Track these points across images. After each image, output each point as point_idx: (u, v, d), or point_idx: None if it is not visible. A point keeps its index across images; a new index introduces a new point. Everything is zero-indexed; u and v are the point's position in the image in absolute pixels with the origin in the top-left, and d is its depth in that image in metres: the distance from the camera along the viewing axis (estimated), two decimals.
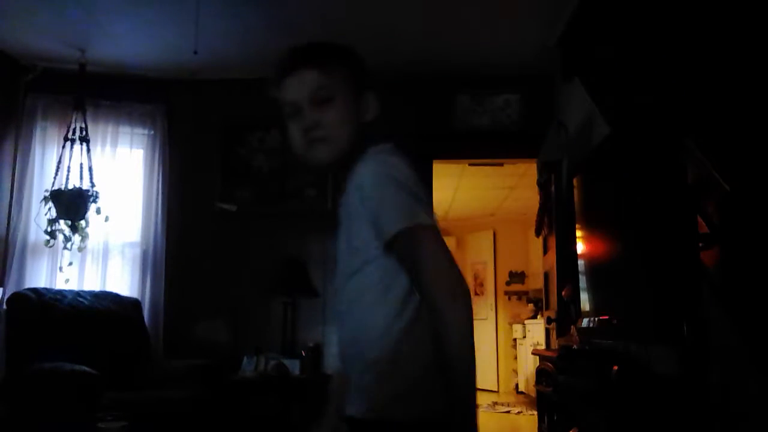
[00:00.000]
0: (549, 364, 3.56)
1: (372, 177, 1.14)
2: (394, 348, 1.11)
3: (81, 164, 4.17)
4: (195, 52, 3.61)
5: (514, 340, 7.95)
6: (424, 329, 1.09)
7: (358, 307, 1.17)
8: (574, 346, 3.23)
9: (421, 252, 1.10)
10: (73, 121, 4.21)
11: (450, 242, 8.88)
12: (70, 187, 4.09)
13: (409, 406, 1.10)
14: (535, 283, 7.44)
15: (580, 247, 3.35)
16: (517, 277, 8.52)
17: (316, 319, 4.33)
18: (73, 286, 4.14)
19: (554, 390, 3.39)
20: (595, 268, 3.15)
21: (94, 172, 4.19)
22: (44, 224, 4.08)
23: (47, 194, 4.08)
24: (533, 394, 5.25)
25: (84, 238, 4.14)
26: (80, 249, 4.16)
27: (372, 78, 1.29)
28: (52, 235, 4.07)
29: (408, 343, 1.11)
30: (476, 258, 8.84)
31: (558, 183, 4.21)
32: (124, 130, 4.52)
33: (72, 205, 4.04)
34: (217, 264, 4.39)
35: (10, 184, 4.26)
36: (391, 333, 1.12)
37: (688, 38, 2.26)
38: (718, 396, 2.02)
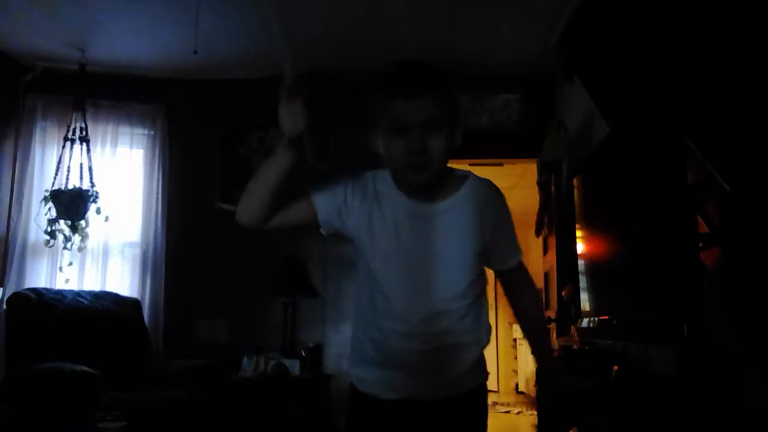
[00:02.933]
0: None
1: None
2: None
3: (81, 164, 4.16)
4: (195, 52, 3.61)
5: (514, 340, 7.94)
6: None
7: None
8: (574, 346, 3.23)
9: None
10: (73, 121, 4.21)
11: None
12: (70, 187, 4.09)
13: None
14: (535, 283, 7.43)
15: (580, 247, 3.35)
16: None
17: (316, 319, 4.33)
18: (73, 286, 4.14)
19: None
20: (595, 268, 3.15)
21: (94, 172, 4.18)
22: (44, 224, 4.08)
23: (47, 194, 4.08)
24: (533, 394, 5.24)
25: (84, 238, 4.14)
26: (80, 249, 4.16)
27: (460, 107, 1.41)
28: (52, 235, 4.07)
29: None
30: None
31: (558, 183, 4.21)
32: (124, 130, 4.52)
33: (72, 205, 4.04)
34: (217, 264, 4.39)
35: (10, 184, 4.26)
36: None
37: (688, 38, 2.25)
38: (718, 396, 2.02)
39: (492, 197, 1.40)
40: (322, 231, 1.41)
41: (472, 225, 1.37)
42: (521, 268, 1.52)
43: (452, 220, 1.36)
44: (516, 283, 1.53)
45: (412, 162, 1.28)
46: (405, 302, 1.35)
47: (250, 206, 1.37)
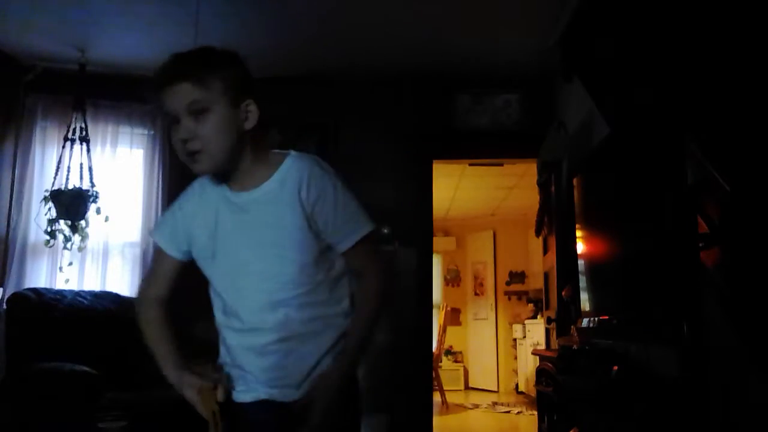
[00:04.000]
0: (549, 364, 3.56)
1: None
2: None
3: (81, 164, 4.17)
4: None
5: (514, 340, 7.94)
6: None
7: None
8: (574, 346, 3.23)
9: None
10: (73, 121, 4.21)
11: (450, 242, 8.90)
12: (70, 187, 4.09)
13: None
14: (535, 283, 7.43)
15: (580, 247, 3.35)
16: (517, 277, 8.52)
17: None
18: (73, 286, 4.14)
19: (554, 390, 3.39)
20: (595, 268, 3.15)
21: (94, 172, 4.19)
22: (44, 224, 4.08)
23: (47, 194, 4.08)
24: (533, 394, 5.24)
25: (84, 238, 4.14)
26: (80, 249, 4.16)
27: (254, 84, 1.35)
28: (52, 235, 4.07)
29: None
30: (476, 258, 8.83)
31: (558, 183, 4.21)
32: (124, 130, 4.52)
33: (72, 205, 4.04)
34: None
35: (10, 184, 4.26)
36: None
37: (688, 37, 2.25)
38: (718, 396, 2.02)
39: (309, 174, 1.31)
40: (190, 259, 1.43)
41: (290, 207, 1.29)
42: (367, 253, 1.37)
43: (267, 206, 1.31)
44: (359, 269, 1.38)
45: (187, 150, 1.26)
46: (235, 297, 1.35)
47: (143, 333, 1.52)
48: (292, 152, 1.34)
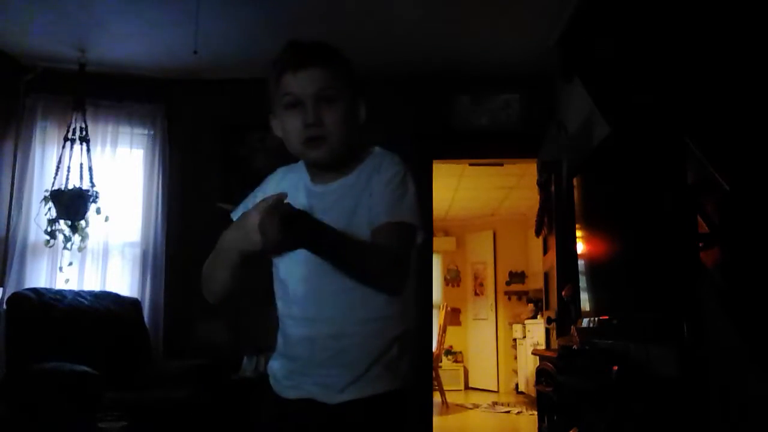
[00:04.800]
0: (549, 364, 3.56)
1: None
2: None
3: (81, 164, 4.16)
4: (195, 52, 3.61)
5: (514, 340, 7.94)
6: None
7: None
8: (574, 346, 3.23)
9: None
10: (73, 121, 4.21)
11: (450, 242, 8.90)
12: (70, 187, 4.09)
13: None
14: (535, 283, 7.43)
15: (580, 247, 3.35)
16: (517, 277, 8.52)
17: None
18: (73, 286, 4.14)
19: (554, 390, 3.39)
20: (595, 268, 3.15)
21: (94, 172, 4.18)
22: (44, 224, 4.08)
23: (47, 194, 4.08)
24: (533, 394, 5.24)
25: (84, 238, 4.14)
26: (80, 249, 4.16)
27: (362, 85, 1.35)
28: (52, 235, 4.07)
29: None
30: (476, 258, 8.83)
31: (558, 183, 4.22)
32: (124, 130, 4.52)
33: (72, 205, 4.04)
34: None
35: (10, 184, 4.26)
36: None
37: (688, 37, 2.25)
38: (718, 396, 2.02)
39: (383, 161, 1.30)
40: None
41: (360, 198, 1.27)
42: (397, 240, 1.25)
43: (342, 199, 1.29)
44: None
45: (308, 136, 1.26)
46: (298, 285, 1.32)
47: (213, 290, 1.32)
48: (377, 148, 1.35)
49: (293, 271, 1.33)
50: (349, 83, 1.29)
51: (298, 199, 1.29)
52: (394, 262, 1.24)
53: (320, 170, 1.33)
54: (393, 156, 1.33)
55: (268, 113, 1.35)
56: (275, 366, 1.37)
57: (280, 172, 1.43)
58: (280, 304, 1.39)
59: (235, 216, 1.35)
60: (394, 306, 1.30)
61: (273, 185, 1.39)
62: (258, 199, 1.21)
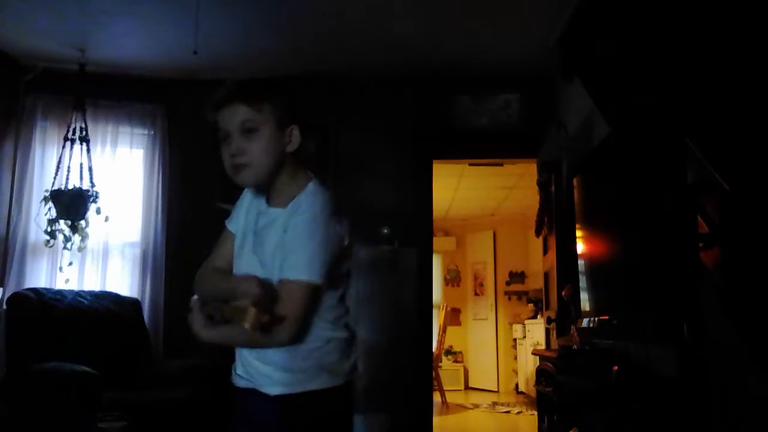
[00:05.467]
0: (549, 364, 3.56)
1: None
2: None
3: (81, 164, 4.16)
4: (195, 52, 3.61)
5: (514, 340, 7.94)
6: None
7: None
8: (574, 346, 3.23)
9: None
10: (73, 121, 4.21)
11: (450, 242, 8.90)
12: (70, 187, 4.09)
13: None
14: (535, 283, 7.43)
15: (580, 247, 3.35)
16: (517, 277, 8.52)
17: None
18: (73, 286, 4.14)
19: (554, 390, 3.39)
20: (595, 268, 3.15)
21: (94, 172, 4.18)
22: (44, 224, 4.08)
23: (47, 194, 4.08)
24: (533, 394, 5.24)
25: (84, 238, 4.14)
26: (80, 249, 4.16)
27: (298, 113, 1.49)
28: (52, 235, 4.07)
29: None
30: (476, 258, 8.83)
31: (558, 183, 4.22)
32: (124, 130, 4.52)
33: (72, 205, 4.04)
34: None
35: (10, 184, 4.26)
36: None
37: (688, 37, 2.25)
38: (718, 396, 2.02)
39: (307, 199, 1.42)
40: None
41: (281, 233, 1.42)
42: (291, 297, 1.37)
43: (275, 224, 1.44)
44: (281, 309, 1.36)
45: (233, 164, 1.42)
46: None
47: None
48: (312, 183, 1.46)
49: (240, 268, 1.50)
50: (274, 115, 1.43)
51: (251, 216, 1.52)
52: (283, 340, 1.37)
53: (264, 194, 1.50)
54: (317, 196, 1.43)
55: None
56: (236, 363, 1.53)
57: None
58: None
59: (228, 224, 1.59)
60: (331, 311, 1.45)
61: (247, 198, 1.57)
62: (241, 209, 1.56)
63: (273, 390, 1.42)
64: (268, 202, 1.50)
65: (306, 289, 1.37)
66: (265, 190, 1.50)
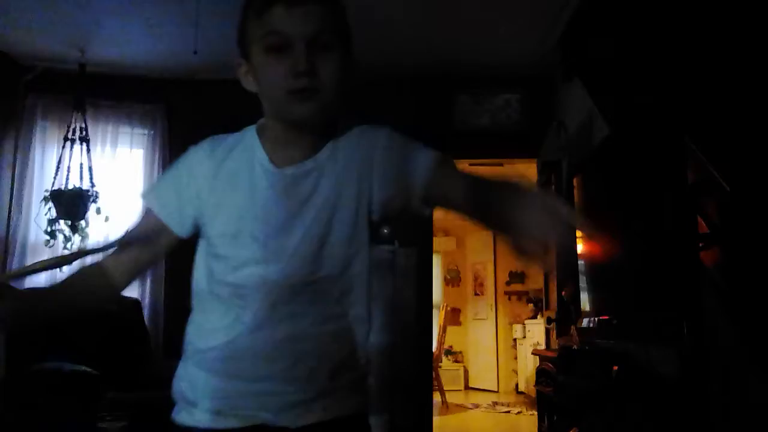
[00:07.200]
0: (549, 364, 3.56)
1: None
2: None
3: (81, 164, 4.17)
4: (195, 52, 3.61)
5: (514, 340, 7.94)
6: None
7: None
8: (574, 346, 3.23)
9: None
10: (73, 121, 4.21)
11: (450, 242, 8.90)
12: (70, 187, 4.09)
13: None
14: (535, 283, 7.43)
15: (580, 247, 3.35)
16: (517, 277, 8.51)
17: None
18: None
19: (554, 390, 3.39)
20: (595, 268, 3.15)
21: (94, 172, 4.19)
22: (44, 224, 4.08)
23: (47, 194, 4.08)
24: (533, 394, 5.24)
25: (84, 238, 4.14)
26: None
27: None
28: (52, 235, 4.07)
29: None
30: (476, 258, 8.83)
31: (558, 183, 4.21)
32: (124, 130, 4.52)
33: (72, 205, 4.04)
34: None
35: (10, 184, 4.26)
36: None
37: (688, 38, 2.26)
38: (718, 396, 2.02)
39: (369, 132, 1.10)
40: (182, 233, 1.14)
41: (347, 181, 1.04)
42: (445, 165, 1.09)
43: (320, 179, 1.03)
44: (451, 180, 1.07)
45: (296, 87, 0.97)
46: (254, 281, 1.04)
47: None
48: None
49: (240, 256, 1.08)
50: (347, 31, 1.04)
51: (257, 187, 1.04)
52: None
53: (292, 139, 1.04)
54: (373, 125, 1.11)
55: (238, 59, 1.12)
56: (183, 387, 1.14)
57: (207, 146, 1.15)
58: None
59: (155, 201, 1.20)
60: (357, 305, 1.05)
61: (196, 164, 1.15)
62: (179, 178, 1.16)
63: (296, 420, 1.03)
64: (281, 160, 1.04)
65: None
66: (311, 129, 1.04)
